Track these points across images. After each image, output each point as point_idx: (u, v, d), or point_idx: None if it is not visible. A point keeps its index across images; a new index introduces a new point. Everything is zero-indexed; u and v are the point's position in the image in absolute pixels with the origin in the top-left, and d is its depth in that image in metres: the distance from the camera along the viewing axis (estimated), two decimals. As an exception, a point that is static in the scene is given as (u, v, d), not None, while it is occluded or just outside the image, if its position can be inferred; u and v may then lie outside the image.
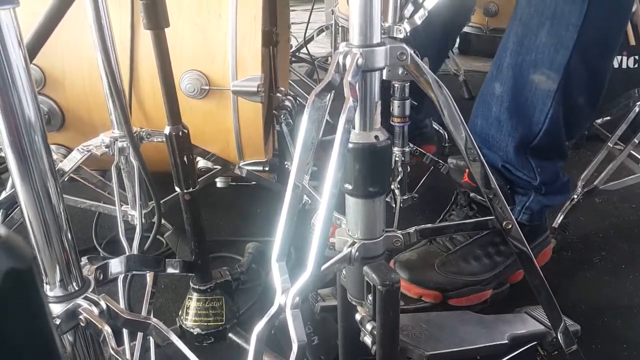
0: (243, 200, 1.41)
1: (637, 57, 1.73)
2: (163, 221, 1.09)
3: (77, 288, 0.50)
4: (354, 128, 0.61)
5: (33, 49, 0.63)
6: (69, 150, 1.19)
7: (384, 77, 0.85)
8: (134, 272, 0.82)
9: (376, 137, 0.60)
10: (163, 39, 0.73)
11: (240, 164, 1.23)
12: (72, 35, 1.08)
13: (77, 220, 1.30)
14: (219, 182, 1.33)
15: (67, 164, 1.01)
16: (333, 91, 0.61)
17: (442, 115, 0.70)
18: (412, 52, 0.61)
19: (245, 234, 1.25)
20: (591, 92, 0.96)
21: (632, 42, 1.82)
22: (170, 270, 0.83)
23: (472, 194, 1.03)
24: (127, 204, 1.06)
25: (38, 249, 0.48)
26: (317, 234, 0.54)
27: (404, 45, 0.60)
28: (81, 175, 1.10)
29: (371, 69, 0.58)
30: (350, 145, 0.59)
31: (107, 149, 0.99)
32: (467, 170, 1.03)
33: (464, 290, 1.01)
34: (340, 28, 1.90)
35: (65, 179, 1.04)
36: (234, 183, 1.37)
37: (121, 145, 0.99)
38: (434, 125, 1.55)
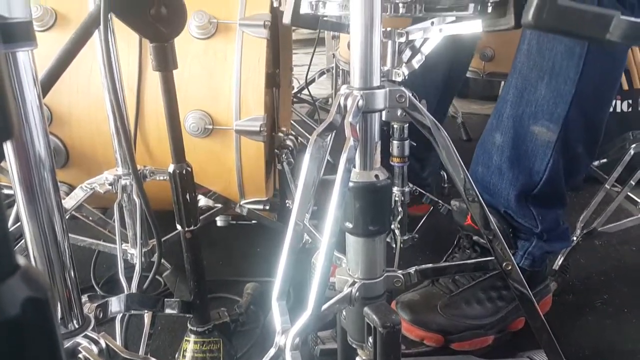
0: (243, 240, 1.41)
1: (630, 101, 1.76)
2: (162, 260, 1.09)
3: (77, 326, 0.50)
4: (354, 167, 0.62)
5: (44, 88, 0.65)
6: (72, 187, 1.20)
7: (384, 118, 0.87)
8: (132, 312, 0.82)
9: (376, 176, 0.61)
10: (171, 80, 0.75)
11: (241, 203, 1.24)
12: (81, 73, 1.11)
13: (75, 259, 1.29)
14: (220, 221, 1.33)
15: (70, 202, 1.02)
16: (334, 131, 0.63)
17: (440, 157, 0.71)
18: (410, 94, 0.63)
19: (245, 273, 1.24)
20: (589, 142, 0.99)
21: (626, 87, 1.87)
22: (168, 310, 0.83)
23: (475, 237, 1.03)
24: (127, 243, 1.07)
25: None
26: (318, 273, 0.54)
27: (403, 88, 0.62)
28: (82, 213, 1.11)
29: (371, 111, 0.60)
30: (351, 184, 0.60)
31: (111, 187, 1.00)
32: (469, 213, 1.04)
33: (467, 334, 0.99)
34: (341, 71, 1.95)
35: (67, 217, 1.04)
36: (235, 222, 1.37)
37: (124, 183, 1.00)
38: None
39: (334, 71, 1.98)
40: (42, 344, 0.17)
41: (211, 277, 1.21)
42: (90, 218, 1.11)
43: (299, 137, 1.65)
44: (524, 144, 0.96)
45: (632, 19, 0.43)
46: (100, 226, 1.13)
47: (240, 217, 1.33)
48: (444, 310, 1.00)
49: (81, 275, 1.23)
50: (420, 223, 1.26)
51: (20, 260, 0.17)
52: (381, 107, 0.60)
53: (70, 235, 1.07)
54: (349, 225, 0.62)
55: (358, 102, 0.57)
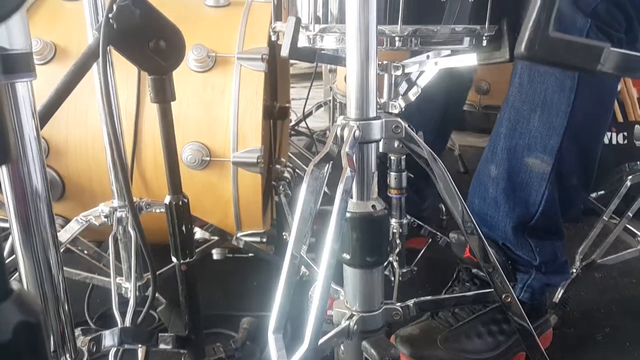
0: (239, 273, 1.40)
1: (625, 133, 1.78)
2: (157, 294, 1.08)
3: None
4: (351, 198, 0.61)
5: (42, 120, 0.65)
6: (67, 220, 1.19)
7: (381, 150, 0.87)
8: (126, 346, 0.80)
9: (373, 206, 0.61)
10: (169, 111, 0.76)
11: (238, 235, 1.23)
12: (79, 105, 1.12)
13: (69, 293, 1.27)
14: (216, 254, 1.32)
15: (65, 234, 1.01)
16: (331, 162, 0.63)
17: (438, 189, 0.71)
18: (406, 125, 0.63)
19: (241, 308, 1.22)
20: (584, 173, 0.99)
21: (620, 119, 1.89)
22: (162, 345, 0.81)
23: (474, 270, 1.03)
24: (122, 276, 1.05)
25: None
26: (315, 306, 0.54)
27: (399, 119, 0.62)
28: (77, 246, 1.10)
29: (368, 141, 0.60)
30: (348, 215, 0.60)
31: (106, 219, 1.00)
32: (468, 246, 1.03)
33: None
34: (338, 103, 1.97)
35: (62, 250, 1.03)
36: (231, 255, 1.36)
37: (120, 215, 0.99)
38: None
39: (331, 104, 2.00)
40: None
41: (207, 312, 1.19)
42: (85, 252, 1.10)
43: (297, 170, 1.66)
44: (519, 175, 0.96)
45: (622, 50, 0.44)
46: (95, 259, 1.11)
47: (236, 250, 1.32)
48: (444, 344, 0.98)
49: (75, 310, 1.21)
50: (419, 256, 1.25)
51: (14, 285, 0.17)
52: (377, 138, 0.60)
53: (64, 268, 1.07)
54: (347, 256, 0.62)
55: (354, 132, 0.57)
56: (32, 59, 0.45)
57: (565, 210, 0.99)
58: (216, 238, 1.18)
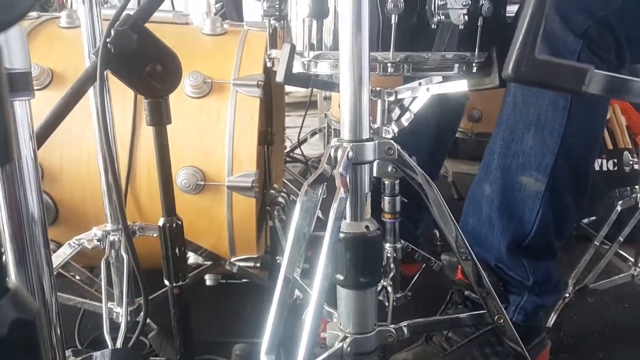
0: (232, 299, 1.38)
1: (615, 160, 1.81)
2: (148, 320, 1.07)
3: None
4: (345, 218, 0.62)
5: (38, 143, 0.66)
6: (59, 245, 1.19)
7: (375, 174, 0.88)
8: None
9: (367, 227, 0.61)
10: (164, 134, 0.77)
11: (232, 260, 1.23)
12: (74, 129, 1.13)
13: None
14: (209, 280, 1.31)
15: (57, 259, 1.01)
16: (325, 184, 0.64)
17: (432, 213, 0.72)
18: (399, 148, 0.64)
19: (234, 334, 1.21)
20: (577, 192, 1.00)
21: (610, 146, 1.92)
22: (154, 369, 0.80)
23: (466, 292, 1.02)
24: (113, 301, 1.04)
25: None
26: (308, 327, 0.54)
27: (392, 141, 0.63)
28: (70, 271, 1.09)
29: (361, 162, 0.61)
30: (342, 235, 0.60)
31: (99, 243, 0.99)
32: (460, 267, 1.03)
33: None
34: (332, 130, 1.99)
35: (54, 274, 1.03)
36: (224, 281, 1.35)
37: (113, 239, 0.99)
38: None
39: (326, 131, 2.02)
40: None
41: (199, 338, 1.18)
42: (78, 277, 1.09)
43: (291, 195, 1.66)
44: (513, 194, 0.97)
45: (606, 72, 0.45)
46: (86, 284, 1.11)
47: (229, 276, 1.31)
48: None
49: (65, 335, 1.20)
50: (413, 281, 1.24)
51: (10, 283, 0.17)
52: (370, 159, 0.61)
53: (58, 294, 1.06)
54: (340, 277, 0.62)
55: (348, 153, 0.58)
56: (31, 78, 0.46)
57: (558, 229, 0.99)
58: (210, 262, 1.17)
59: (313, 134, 2.37)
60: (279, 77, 0.93)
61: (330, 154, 0.60)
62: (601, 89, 0.45)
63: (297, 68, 0.95)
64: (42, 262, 0.48)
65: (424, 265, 1.26)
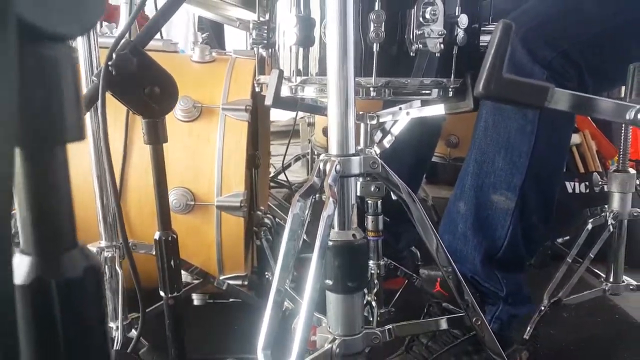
0: (220, 318, 1.41)
1: (587, 182, 1.89)
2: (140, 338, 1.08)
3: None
4: (333, 227, 0.67)
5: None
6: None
7: (359, 194, 0.93)
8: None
9: (354, 235, 0.66)
10: (160, 152, 0.81)
11: (221, 278, 1.26)
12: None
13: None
14: (196, 300, 1.34)
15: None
16: (314, 196, 0.69)
17: (416, 227, 0.77)
18: (382, 162, 0.70)
19: (223, 351, 1.23)
20: (544, 209, 1.07)
21: (582, 170, 2.01)
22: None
23: (444, 304, 1.07)
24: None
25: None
26: (301, 326, 0.58)
27: (376, 156, 0.69)
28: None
29: (348, 175, 0.66)
30: (330, 243, 0.65)
31: (92, 259, 1.02)
32: (438, 280, 1.08)
33: None
34: (316, 156, 2.05)
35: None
36: (211, 300, 1.38)
37: (107, 255, 1.02)
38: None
39: (309, 157, 2.08)
40: (96, 303, 0.21)
41: (189, 355, 1.20)
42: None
43: (277, 218, 1.70)
44: (485, 211, 1.03)
45: (566, 90, 0.52)
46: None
47: (217, 296, 1.34)
48: None
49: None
50: (396, 297, 1.29)
51: (79, 242, 0.22)
52: (357, 172, 0.67)
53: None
54: (329, 282, 0.66)
55: (336, 166, 0.64)
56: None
57: (527, 244, 1.06)
58: (199, 280, 1.20)
59: (297, 159, 2.43)
60: (268, 101, 0.98)
61: (319, 167, 0.65)
62: (561, 104, 0.52)
63: (284, 92, 1.01)
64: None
65: (407, 281, 1.31)
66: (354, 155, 0.66)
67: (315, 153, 2.03)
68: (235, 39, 2.79)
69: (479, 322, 0.77)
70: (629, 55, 1.01)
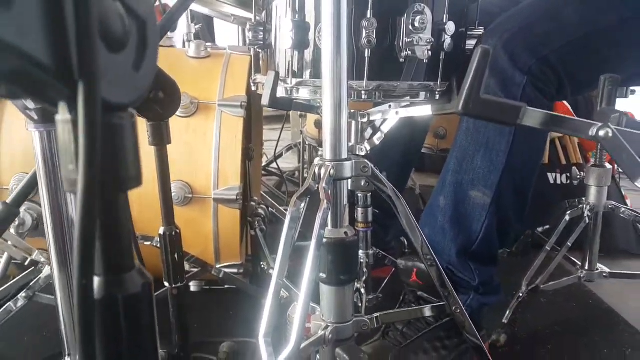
0: (216, 304, 1.47)
1: (568, 174, 1.97)
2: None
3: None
4: (327, 226, 0.73)
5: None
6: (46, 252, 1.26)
7: (350, 188, 1.00)
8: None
9: (346, 233, 0.72)
10: (165, 153, 0.87)
11: (217, 266, 1.32)
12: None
13: (55, 323, 1.33)
14: (193, 286, 1.40)
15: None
16: (309, 197, 0.75)
17: (401, 222, 0.84)
18: (372, 166, 0.76)
19: (220, 335, 1.29)
20: (518, 207, 1.14)
21: (563, 161, 2.09)
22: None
23: (419, 292, 1.14)
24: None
25: (65, 326, 0.56)
26: (299, 313, 0.64)
27: (366, 161, 0.75)
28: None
29: (340, 178, 0.72)
30: (324, 240, 0.71)
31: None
32: (414, 270, 1.15)
33: None
34: (307, 146, 2.11)
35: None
36: (207, 287, 1.44)
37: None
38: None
39: (301, 146, 2.14)
40: (149, 313, 0.27)
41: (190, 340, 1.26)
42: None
43: (269, 207, 1.76)
44: (463, 206, 1.10)
45: (536, 109, 0.58)
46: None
47: (213, 283, 1.41)
48: None
49: (54, 340, 1.27)
50: (384, 284, 1.36)
51: (136, 261, 0.27)
52: (349, 176, 0.73)
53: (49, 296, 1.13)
54: (323, 275, 0.73)
55: (330, 171, 0.70)
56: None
57: (500, 238, 1.12)
58: (198, 269, 1.26)
59: (289, 149, 2.48)
60: (265, 101, 1.03)
61: (315, 171, 0.71)
62: (532, 122, 0.58)
63: (280, 93, 1.06)
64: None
65: (394, 269, 1.38)
66: (346, 160, 0.72)
67: (307, 143, 2.08)
68: (225, 31, 2.81)
69: (458, 310, 0.84)
70: (605, 61, 1.08)
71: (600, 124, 0.56)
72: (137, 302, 0.26)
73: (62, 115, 0.24)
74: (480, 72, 0.56)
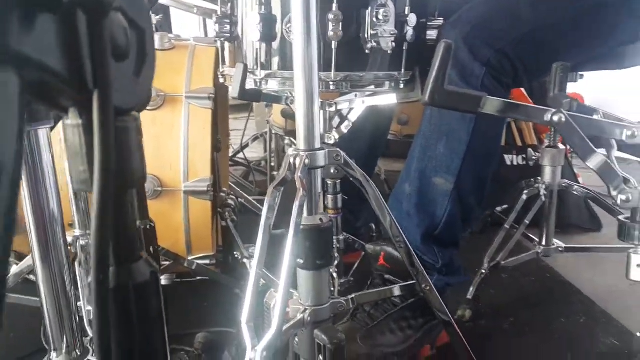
0: (189, 296, 1.48)
1: (524, 155, 2.06)
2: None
3: (79, 354, 0.59)
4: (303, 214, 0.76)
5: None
6: (19, 254, 1.25)
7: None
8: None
9: (321, 219, 0.75)
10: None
11: (189, 259, 1.33)
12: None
13: (23, 323, 1.32)
14: (164, 280, 1.40)
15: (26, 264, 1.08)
16: (284, 186, 0.77)
17: (372, 206, 0.88)
18: (344, 154, 0.79)
19: (195, 326, 1.30)
20: (478, 192, 1.20)
21: (520, 143, 2.18)
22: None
23: (386, 275, 1.19)
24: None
25: (50, 321, 0.58)
26: (280, 297, 0.67)
27: (338, 150, 0.78)
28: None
29: (314, 167, 0.75)
30: (301, 227, 0.74)
31: (70, 247, 1.07)
32: (382, 254, 1.20)
33: None
34: (274, 135, 2.12)
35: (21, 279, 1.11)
36: (179, 280, 1.45)
37: (84, 243, 1.07)
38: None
39: (267, 136, 2.15)
40: (158, 298, 0.29)
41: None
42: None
43: (239, 198, 1.78)
44: (427, 193, 1.15)
45: (495, 98, 0.63)
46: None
47: (184, 275, 1.42)
48: (363, 341, 1.13)
49: (31, 337, 1.26)
50: (354, 267, 1.40)
51: (142, 251, 0.30)
52: (322, 165, 0.76)
53: (23, 297, 1.12)
54: (301, 261, 0.76)
55: (305, 160, 0.72)
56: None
57: (463, 222, 1.18)
58: (170, 262, 1.27)
59: (255, 139, 2.49)
60: (234, 93, 1.05)
61: (290, 161, 0.74)
62: (491, 110, 0.62)
63: (249, 85, 1.08)
64: (62, 256, 0.58)
65: (364, 254, 1.42)
66: (319, 149, 0.75)
67: (273, 132, 2.10)
68: (183, 21, 2.76)
69: (428, 287, 0.89)
70: (556, 51, 1.14)
71: (554, 110, 0.61)
72: (147, 289, 0.29)
73: (73, 120, 0.26)
74: (444, 65, 0.60)
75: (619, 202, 0.60)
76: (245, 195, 1.87)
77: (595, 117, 0.66)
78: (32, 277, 1.14)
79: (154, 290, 0.29)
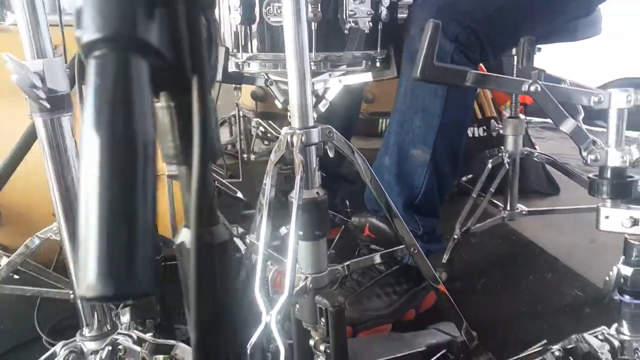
0: (177, 277, 1.51)
1: (485, 127, 2.17)
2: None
3: (109, 328, 0.62)
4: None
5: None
6: (3, 248, 1.25)
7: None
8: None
9: (317, 193, 0.80)
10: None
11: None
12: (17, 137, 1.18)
13: (12, 313, 1.32)
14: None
15: (19, 256, 1.09)
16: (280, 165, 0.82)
17: (362, 178, 0.93)
18: (336, 131, 0.84)
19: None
20: (452, 162, 1.28)
21: (480, 116, 2.29)
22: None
23: (372, 245, 1.26)
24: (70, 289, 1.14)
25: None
26: (289, 266, 0.72)
27: (330, 126, 0.83)
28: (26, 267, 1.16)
29: (310, 144, 0.80)
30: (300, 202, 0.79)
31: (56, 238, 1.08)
32: (367, 225, 1.27)
33: (370, 323, 1.20)
34: (242, 117, 2.14)
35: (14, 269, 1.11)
36: (163, 263, 1.47)
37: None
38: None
39: (238, 118, 2.16)
40: (233, 256, 0.33)
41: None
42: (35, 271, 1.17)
43: (214, 181, 1.80)
44: (406, 164, 1.22)
45: (479, 72, 0.69)
46: (43, 277, 1.18)
47: (170, 258, 1.44)
48: (351, 306, 1.20)
49: (26, 326, 1.26)
50: (335, 241, 1.47)
51: (220, 216, 0.34)
52: (316, 141, 0.80)
53: (15, 286, 1.13)
54: (300, 232, 0.81)
55: (301, 138, 0.77)
56: (71, 98, 0.59)
57: (440, 191, 1.26)
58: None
59: (222, 122, 2.50)
60: (217, 77, 1.08)
61: (287, 140, 0.78)
62: (475, 82, 0.69)
63: (231, 67, 1.11)
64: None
65: (343, 227, 1.49)
66: (313, 127, 0.80)
67: (241, 115, 2.12)
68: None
69: (416, 250, 0.96)
70: (518, 27, 1.23)
71: (530, 81, 0.68)
72: (226, 248, 0.33)
73: (164, 102, 0.30)
74: (433, 42, 0.65)
75: (588, 161, 0.68)
76: (219, 179, 1.90)
77: (563, 85, 0.73)
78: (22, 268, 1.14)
79: (231, 249, 0.34)
